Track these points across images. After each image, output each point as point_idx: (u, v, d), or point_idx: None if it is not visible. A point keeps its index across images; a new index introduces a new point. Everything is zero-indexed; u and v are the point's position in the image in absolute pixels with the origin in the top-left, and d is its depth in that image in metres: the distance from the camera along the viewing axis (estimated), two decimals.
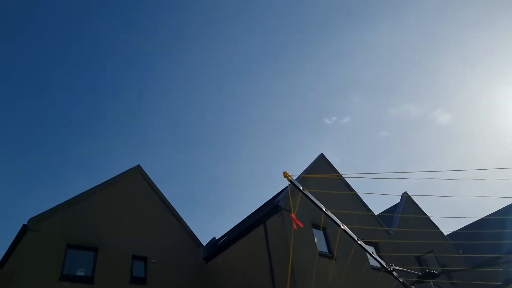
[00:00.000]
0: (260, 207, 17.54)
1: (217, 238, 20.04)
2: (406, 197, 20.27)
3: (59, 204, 12.63)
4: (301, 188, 4.90)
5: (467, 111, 46.70)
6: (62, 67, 39.68)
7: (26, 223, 11.61)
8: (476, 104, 47.30)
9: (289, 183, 4.83)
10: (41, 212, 12.05)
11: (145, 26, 43.06)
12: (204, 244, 16.53)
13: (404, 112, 44.65)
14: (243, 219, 18.36)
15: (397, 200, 20.85)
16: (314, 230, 13.35)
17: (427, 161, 49.86)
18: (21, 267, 10.90)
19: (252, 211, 18.24)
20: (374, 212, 17.37)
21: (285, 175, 4.49)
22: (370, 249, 7.51)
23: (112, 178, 14.65)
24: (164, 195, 15.78)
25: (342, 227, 5.44)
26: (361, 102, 46.49)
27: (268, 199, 17.52)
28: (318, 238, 13.23)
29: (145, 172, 15.74)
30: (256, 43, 44.69)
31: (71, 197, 13.10)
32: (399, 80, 46.74)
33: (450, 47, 44.33)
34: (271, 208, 13.29)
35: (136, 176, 15.52)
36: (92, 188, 13.87)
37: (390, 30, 42.69)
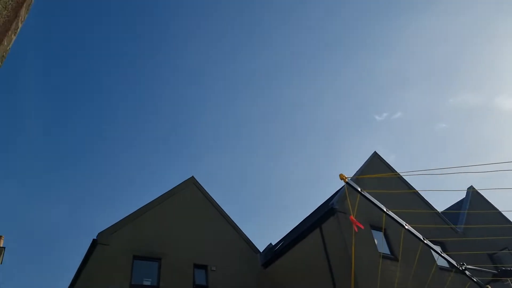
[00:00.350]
0: (315, 210, 17.31)
1: (273, 244, 20.05)
2: (472, 192, 18.97)
3: (123, 218, 13.36)
4: (359, 189, 4.76)
5: None
6: (121, 93, 42.17)
7: (95, 238, 12.39)
8: None
9: (345, 184, 4.72)
10: (108, 226, 12.81)
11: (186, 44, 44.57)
12: (261, 251, 16.61)
13: (463, 102, 41.90)
14: (298, 223, 18.23)
15: (462, 195, 19.57)
16: (374, 232, 12.91)
17: (493, 151, 46.31)
18: (93, 279, 11.65)
19: (307, 215, 18.05)
20: (438, 210, 16.44)
21: (341, 177, 4.39)
22: (437, 248, 7.06)
23: (169, 190, 15.24)
24: (218, 203, 16.13)
25: (406, 227, 5.20)
26: (414, 95, 44.37)
27: (323, 202, 17.25)
28: (379, 240, 12.77)
29: (199, 183, 16.19)
30: (299, 43, 44.51)
31: (133, 210, 13.84)
32: (454, 68, 44.03)
33: (509, 28, 41.02)
34: (326, 211, 13.07)
35: (191, 187, 16.01)
36: (152, 201, 14.51)
37: (441, 16, 40.50)
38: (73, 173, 43.12)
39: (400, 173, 13.81)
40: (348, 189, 5.10)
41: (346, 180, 4.44)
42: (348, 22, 43.42)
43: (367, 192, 4.81)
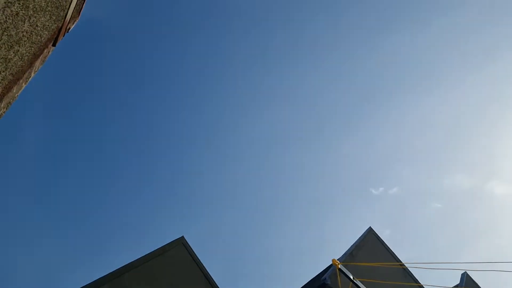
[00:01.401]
0: (307, 283, 16.50)
1: None
2: (466, 277, 18.31)
3: (101, 278, 12.60)
4: (352, 277, 4.54)
5: None
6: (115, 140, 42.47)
7: None
8: None
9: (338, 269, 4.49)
10: (84, 285, 12.04)
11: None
12: None
13: (457, 183, 42.28)
14: None
15: (457, 280, 18.85)
16: None
17: (485, 235, 45.60)
18: None
19: None
20: None
21: (334, 262, 4.21)
22: None
23: (154, 250, 14.57)
24: (208, 269, 15.37)
25: None
26: (410, 172, 44.82)
27: (316, 275, 16.52)
28: None
29: (188, 244, 15.57)
30: (298, 115, 45.88)
31: (114, 269, 13.11)
32: (451, 149, 45.06)
33: (506, 115, 42.68)
34: (318, 286, 12.43)
35: (180, 248, 15.36)
36: (134, 260, 13.81)
37: (440, 97, 42.32)
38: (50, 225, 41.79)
39: (395, 264, 13.41)
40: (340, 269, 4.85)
41: (339, 266, 4.24)
42: (347, 97, 45.25)
43: (362, 281, 4.56)
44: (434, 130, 44.45)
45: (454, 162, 45.55)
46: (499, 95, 40.72)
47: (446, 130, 44.19)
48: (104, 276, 12.68)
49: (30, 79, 4.04)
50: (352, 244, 15.26)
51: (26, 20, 2.68)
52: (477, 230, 46.62)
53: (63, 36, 3.48)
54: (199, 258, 15.48)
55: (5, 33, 2.42)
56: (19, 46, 3.27)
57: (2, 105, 3.32)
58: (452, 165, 45.83)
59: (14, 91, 3.58)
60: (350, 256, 13.56)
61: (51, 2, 3.20)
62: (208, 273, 15.32)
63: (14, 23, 2.50)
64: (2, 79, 3.13)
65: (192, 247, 15.70)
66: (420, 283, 15.11)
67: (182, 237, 15.71)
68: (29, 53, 3.53)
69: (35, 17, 2.81)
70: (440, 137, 44.25)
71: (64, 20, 3.23)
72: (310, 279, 16.73)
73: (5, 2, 2.38)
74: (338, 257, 13.99)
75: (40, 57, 3.85)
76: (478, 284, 18.52)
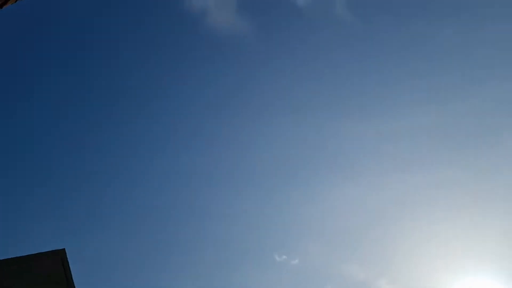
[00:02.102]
0: None
1: None
2: None
3: None
4: None
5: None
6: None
7: None
8: (421, 283, 47.32)
9: None
10: None
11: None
12: None
13: (352, 273, 43.86)
14: None
15: None
16: None
17: None
18: None
19: None
20: None
21: None
22: None
23: (25, 255, 12.30)
24: None
25: None
26: (313, 249, 45.70)
27: None
28: None
29: (67, 260, 13.33)
30: (221, 170, 45.32)
31: None
32: (355, 239, 47.12)
33: (415, 218, 46.07)
34: None
35: (55, 262, 13.07)
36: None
37: (366, 189, 44.52)
38: None
39: None
40: None
41: None
42: (273, 165, 45.92)
43: None
44: (346, 214, 46.46)
45: (352, 250, 47.58)
46: (414, 201, 44.18)
47: (356, 217, 46.40)
48: None
49: None
50: None
51: None
52: None
53: (6, 5, 2.33)
54: (74, 281, 13.33)
55: None
56: None
57: None
58: (350, 252, 47.81)
59: None
60: None
61: None
62: None
63: None
64: None
65: (73, 266, 13.53)
66: None
67: (63, 249, 13.44)
68: None
69: None
70: (350, 223, 46.30)
71: None
72: None
73: None
74: None
75: None
76: None
